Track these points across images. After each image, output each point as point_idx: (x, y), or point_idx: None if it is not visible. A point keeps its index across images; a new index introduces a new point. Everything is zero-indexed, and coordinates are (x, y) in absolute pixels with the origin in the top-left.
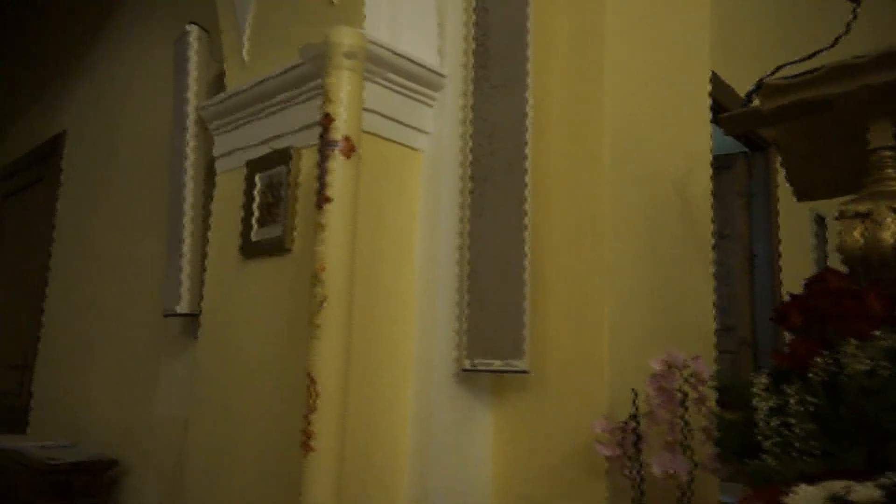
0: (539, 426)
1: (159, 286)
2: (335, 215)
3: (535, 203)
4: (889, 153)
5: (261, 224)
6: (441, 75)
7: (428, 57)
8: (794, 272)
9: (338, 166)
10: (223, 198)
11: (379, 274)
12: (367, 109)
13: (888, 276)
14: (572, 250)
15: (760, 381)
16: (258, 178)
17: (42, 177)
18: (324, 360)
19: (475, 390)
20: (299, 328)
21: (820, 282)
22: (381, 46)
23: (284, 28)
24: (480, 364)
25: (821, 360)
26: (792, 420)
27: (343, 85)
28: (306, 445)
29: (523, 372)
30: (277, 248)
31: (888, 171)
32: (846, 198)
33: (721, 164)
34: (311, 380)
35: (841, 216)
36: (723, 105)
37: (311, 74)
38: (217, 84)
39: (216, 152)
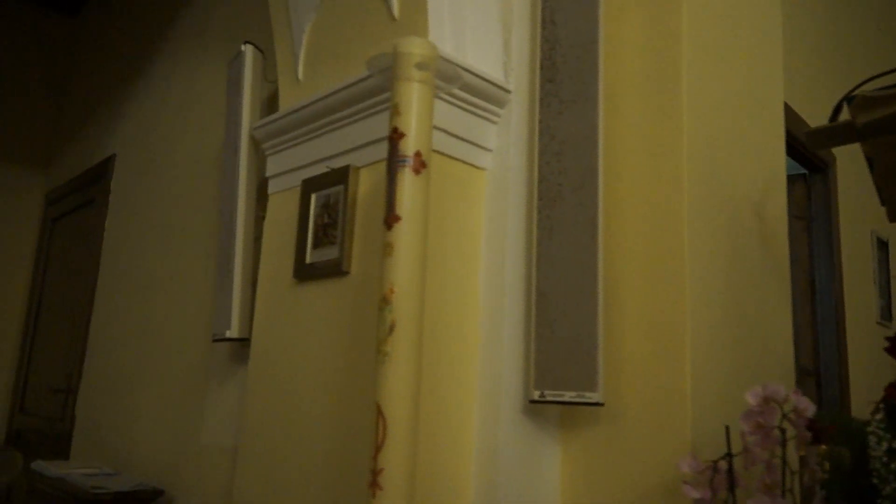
0: (613, 463)
1: (207, 310)
2: (405, 235)
3: (607, 223)
4: None
5: (316, 245)
6: (507, 91)
7: (493, 72)
8: (857, 298)
9: (408, 183)
10: (276, 219)
11: (443, 298)
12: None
13: None
14: (649, 273)
15: (876, 418)
16: (313, 199)
17: (91, 200)
18: (393, 390)
19: (543, 423)
20: (358, 355)
21: None
22: (448, 61)
23: (342, 46)
24: (550, 395)
25: None
26: None
27: (413, 97)
28: (374, 484)
29: (597, 404)
30: (334, 270)
31: None
32: None
33: None
34: (379, 412)
35: None
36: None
37: (372, 90)
38: (268, 105)
39: (269, 172)
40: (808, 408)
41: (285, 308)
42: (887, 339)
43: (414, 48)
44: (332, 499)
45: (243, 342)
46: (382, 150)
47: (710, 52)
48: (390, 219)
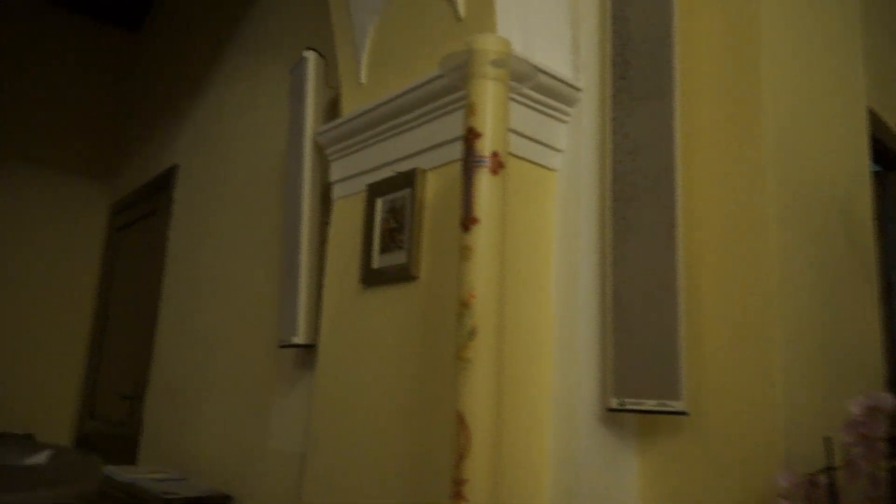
0: (697, 475)
1: (272, 316)
2: (484, 237)
3: (686, 223)
4: None
5: (383, 250)
6: (577, 89)
7: (562, 70)
8: None
9: (485, 184)
10: (341, 224)
11: (516, 303)
12: None
13: None
14: (732, 275)
15: None
16: (379, 203)
17: (154, 210)
18: (476, 398)
19: (621, 432)
20: (430, 361)
21: None
22: (521, 59)
23: (405, 48)
24: (630, 403)
25: None
26: None
27: (489, 96)
28: (458, 495)
29: (681, 413)
30: (402, 275)
31: None
32: None
33: None
34: (461, 420)
35: None
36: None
37: (440, 91)
38: (330, 111)
39: (333, 178)
40: None
41: (352, 314)
42: None
43: (489, 45)
44: None
45: (309, 348)
46: (451, 152)
47: (790, 48)
48: (468, 221)
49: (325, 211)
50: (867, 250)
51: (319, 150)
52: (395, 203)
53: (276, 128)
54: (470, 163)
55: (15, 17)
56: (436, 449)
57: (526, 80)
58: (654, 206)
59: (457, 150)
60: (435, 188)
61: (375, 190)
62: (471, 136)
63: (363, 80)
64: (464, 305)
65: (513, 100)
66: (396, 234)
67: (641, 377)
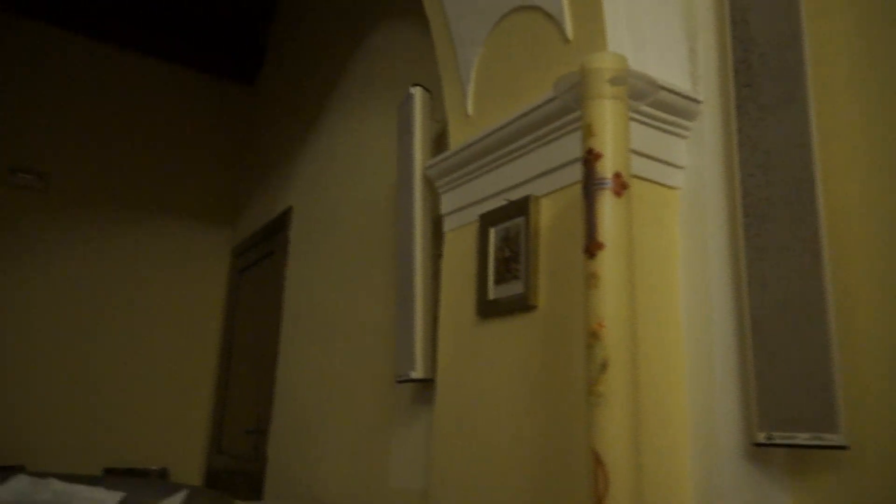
0: None
1: (388, 351)
2: (610, 263)
3: (831, 237)
4: None
5: (498, 281)
6: (697, 101)
7: (679, 83)
8: None
9: (609, 207)
10: (454, 256)
11: (647, 331)
12: None
13: None
14: (891, 292)
15: None
16: (492, 233)
17: (272, 251)
18: (612, 436)
19: (769, 469)
20: (555, 394)
21: None
22: (638, 75)
23: (512, 75)
24: (779, 437)
25: None
26: None
27: (607, 115)
28: None
29: (840, 447)
30: (520, 305)
31: None
32: None
33: None
34: (597, 460)
35: None
36: None
37: (551, 115)
38: (437, 144)
39: (444, 210)
40: None
41: (469, 346)
42: None
43: (605, 63)
44: None
45: (427, 383)
46: (565, 177)
47: None
48: (592, 246)
49: (438, 244)
50: None
51: (429, 183)
52: (508, 232)
53: (385, 164)
54: (591, 185)
55: (142, 79)
56: (568, 490)
57: (644, 96)
58: (793, 222)
59: (571, 173)
60: (550, 214)
61: (488, 220)
62: (591, 158)
63: (470, 111)
64: (593, 336)
65: (630, 118)
66: (512, 263)
67: (790, 408)
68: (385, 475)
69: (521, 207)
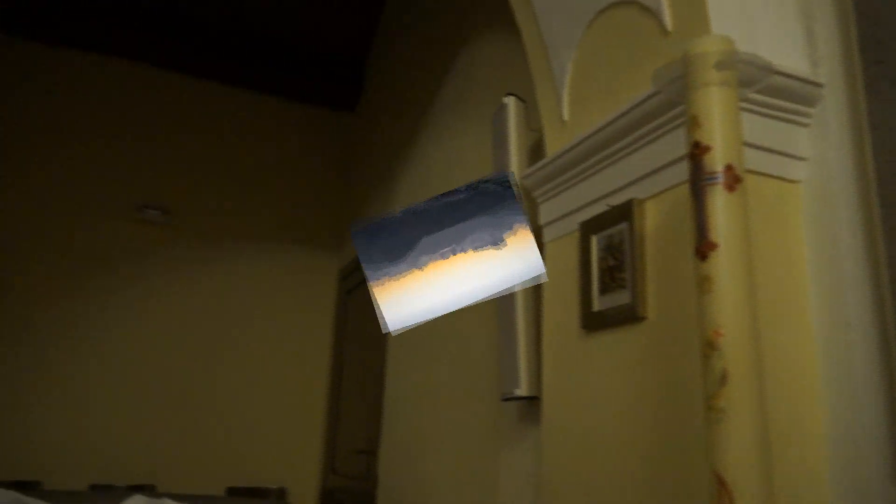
0: None
1: (493, 368)
2: (726, 265)
3: None
4: None
5: (603, 291)
6: (818, 85)
7: (797, 66)
8: None
9: (721, 203)
10: (555, 268)
11: (773, 339)
12: None
13: None
14: None
15: None
16: (594, 241)
17: None
18: (736, 455)
19: None
20: (669, 411)
21: None
22: (747, 58)
23: (609, 76)
24: None
25: None
26: None
27: (715, 103)
28: None
29: None
30: (628, 316)
31: None
32: None
33: None
34: (719, 482)
35: None
36: None
37: (652, 112)
38: (533, 153)
39: (542, 220)
40: None
41: (575, 361)
42: None
43: (709, 46)
44: None
45: (533, 400)
46: (671, 176)
47: None
48: (704, 247)
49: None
50: None
51: (526, 193)
52: (611, 239)
53: (479, 175)
54: (699, 181)
55: (249, 113)
56: None
57: (755, 82)
58: None
59: (678, 172)
60: (656, 218)
61: (589, 227)
62: (697, 152)
63: (566, 117)
64: (709, 346)
65: (741, 108)
66: (617, 272)
67: None
68: (494, 495)
69: (624, 212)
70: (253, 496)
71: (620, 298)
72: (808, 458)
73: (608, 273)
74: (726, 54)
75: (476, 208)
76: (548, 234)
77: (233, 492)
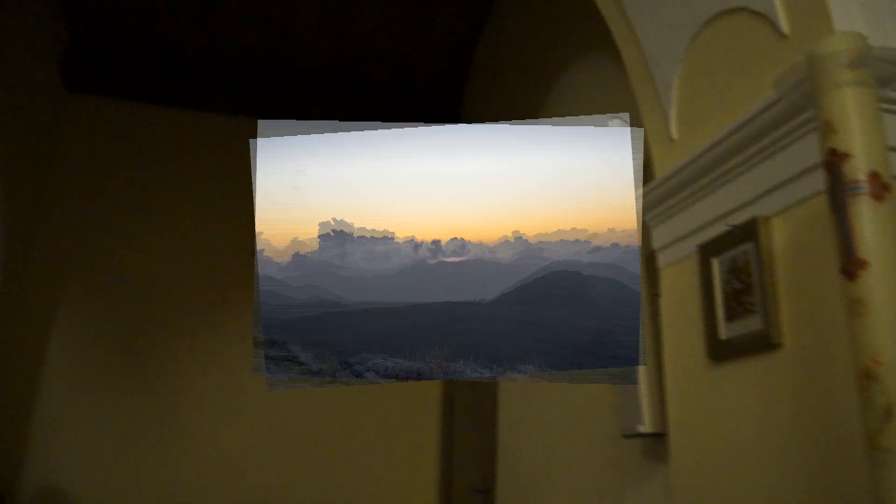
0: None
1: (613, 402)
2: (879, 283)
3: None
4: None
5: (730, 318)
6: None
7: None
8: None
9: (868, 215)
10: (673, 294)
11: None
12: None
13: None
14: None
15: None
16: (715, 264)
17: None
18: None
19: None
20: (818, 449)
21: None
22: (882, 55)
23: (720, 90)
24: None
25: None
26: None
27: (851, 105)
28: None
29: None
30: (760, 344)
31: None
32: None
33: None
34: None
35: None
36: None
37: (776, 119)
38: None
39: (656, 244)
40: None
41: (703, 394)
42: None
43: (840, 44)
44: None
45: (657, 437)
46: (800, 189)
47: None
48: (851, 265)
49: (653, 282)
50: None
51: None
52: (735, 261)
53: None
54: (840, 192)
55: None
56: None
57: (894, 79)
58: None
59: (808, 184)
60: (784, 235)
61: (708, 250)
62: (835, 160)
63: (674, 135)
64: (866, 376)
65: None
66: (744, 296)
67: None
68: None
69: (747, 232)
70: None
71: (750, 325)
72: None
73: (734, 297)
74: (860, 51)
75: None
76: (663, 259)
77: None
